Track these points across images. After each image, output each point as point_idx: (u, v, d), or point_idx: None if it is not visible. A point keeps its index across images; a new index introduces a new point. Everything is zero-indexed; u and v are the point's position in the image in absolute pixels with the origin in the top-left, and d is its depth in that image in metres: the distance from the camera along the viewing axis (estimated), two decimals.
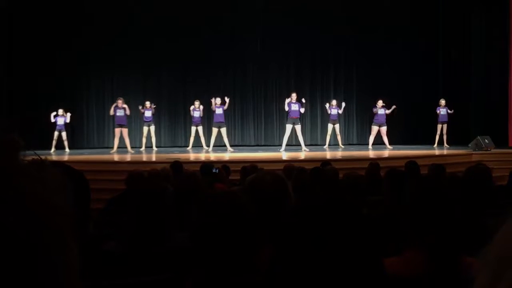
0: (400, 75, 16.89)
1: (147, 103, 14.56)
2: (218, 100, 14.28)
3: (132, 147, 14.35)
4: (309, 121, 17.27)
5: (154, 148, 14.66)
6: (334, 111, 14.98)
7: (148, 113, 14.48)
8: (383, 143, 14.69)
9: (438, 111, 14.70)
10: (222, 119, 14.33)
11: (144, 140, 14.71)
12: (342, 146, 15.19)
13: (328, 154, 13.01)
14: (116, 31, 15.82)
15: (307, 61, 17.20)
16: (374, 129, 14.82)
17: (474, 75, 15.96)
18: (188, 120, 16.37)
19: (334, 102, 15.23)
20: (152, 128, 14.65)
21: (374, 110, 14.75)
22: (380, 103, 14.70)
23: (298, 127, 14.14)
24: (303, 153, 13.37)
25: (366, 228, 1.48)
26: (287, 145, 14.53)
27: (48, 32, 15.31)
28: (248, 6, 16.34)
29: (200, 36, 16.25)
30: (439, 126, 14.77)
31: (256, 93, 17.22)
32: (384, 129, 14.69)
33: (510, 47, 15.02)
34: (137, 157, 12.77)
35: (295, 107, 14.06)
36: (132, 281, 2.05)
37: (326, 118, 16.51)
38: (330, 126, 15.10)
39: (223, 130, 14.39)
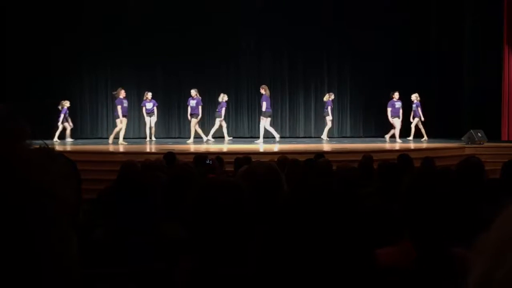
0: (393, 69, 16.87)
1: (149, 94, 14.58)
2: (193, 92, 14.57)
3: (127, 138, 14.36)
4: (303, 113, 17.28)
5: (153, 139, 14.66)
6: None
7: (149, 105, 14.59)
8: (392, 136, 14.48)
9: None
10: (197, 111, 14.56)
11: (148, 131, 14.72)
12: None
13: (322, 147, 13.01)
14: (110, 23, 15.73)
15: (301, 54, 17.17)
16: (396, 121, 14.42)
17: (467, 69, 15.98)
18: (182, 112, 16.39)
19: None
20: (153, 119, 14.66)
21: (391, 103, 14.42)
22: (396, 95, 14.49)
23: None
24: (299, 145, 13.43)
25: (358, 219, 1.48)
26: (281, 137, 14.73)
27: (42, 25, 15.21)
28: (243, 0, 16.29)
29: (194, 28, 16.18)
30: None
31: (250, 85, 17.18)
32: (399, 122, 14.45)
33: (504, 42, 15.05)
34: (131, 147, 12.75)
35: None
36: (122, 270, 2.04)
37: (319, 110, 16.54)
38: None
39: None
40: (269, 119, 14.36)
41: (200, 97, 14.57)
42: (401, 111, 14.42)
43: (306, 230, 1.47)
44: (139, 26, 15.92)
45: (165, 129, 16.68)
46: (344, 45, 17.05)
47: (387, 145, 13.16)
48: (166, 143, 13.76)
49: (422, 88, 14.58)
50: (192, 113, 14.44)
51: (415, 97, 14.71)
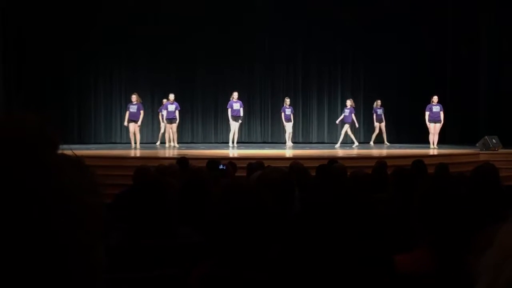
0: (408, 74, 16.85)
1: (171, 96, 14.41)
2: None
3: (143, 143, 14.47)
4: (316, 119, 17.26)
5: (176, 144, 14.41)
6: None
7: (171, 107, 14.35)
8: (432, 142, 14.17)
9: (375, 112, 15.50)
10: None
11: (167, 135, 14.50)
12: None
13: (335, 152, 12.98)
14: (124, 28, 15.83)
15: (314, 59, 17.18)
16: (431, 126, 14.21)
17: (482, 75, 15.87)
18: (195, 117, 16.46)
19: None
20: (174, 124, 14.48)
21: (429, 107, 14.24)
22: (435, 98, 14.27)
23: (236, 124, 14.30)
24: (316, 151, 13.48)
25: (376, 225, 1.47)
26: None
27: (57, 31, 15.35)
28: (256, 4, 16.30)
29: (208, 33, 16.26)
30: (377, 125, 15.48)
31: (263, 90, 17.22)
32: (438, 126, 14.23)
33: None
34: (144, 152, 12.80)
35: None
36: (137, 275, 2.05)
37: (332, 116, 16.54)
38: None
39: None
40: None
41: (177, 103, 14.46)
42: (441, 115, 14.17)
43: (323, 235, 1.47)
44: (154, 33, 16.01)
45: (178, 134, 16.74)
46: (358, 50, 17.03)
47: (401, 151, 13.07)
48: (180, 148, 13.80)
49: (437, 94, 14.46)
50: (172, 117, 14.31)
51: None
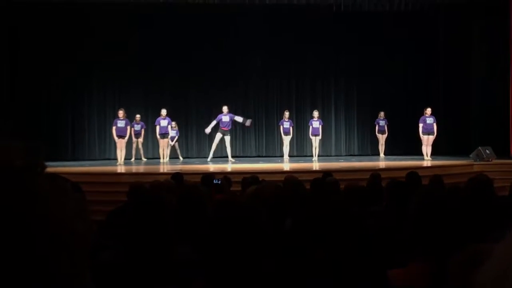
0: (401, 86, 16.96)
1: (163, 111, 14.77)
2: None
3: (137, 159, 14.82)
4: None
5: (166, 159, 14.85)
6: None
7: (164, 123, 14.73)
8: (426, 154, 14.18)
9: (377, 123, 15.67)
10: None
11: (161, 151, 14.85)
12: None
13: (330, 165, 12.99)
14: (118, 44, 15.84)
15: (308, 72, 17.25)
16: (425, 138, 14.27)
17: (475, 85, 15.99)
18: (189, 132, 16.52)
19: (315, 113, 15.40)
20: (140, 140, 14.92)
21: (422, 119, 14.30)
22: (429, 110, 14.31)
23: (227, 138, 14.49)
24: (310, 164, 13.50)
25: (369, 239, 1.47)
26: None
27: (51, 45, 15.37)
28: (249, 20, 16.39)
29: (202, 49, 16.32)
30: (380, 136, 15.69)
31: (257, 104, 17.26)
32: (432, 138, 14.27)
33: (510, 57, 15.05)
34: (138, 168, 12.77)
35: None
36: None
37: (326, 128, 16.60)
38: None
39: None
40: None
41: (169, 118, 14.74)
42: (435, 126, 14.24)
43: (317, 250, 1.47)
44: (148, 48, 16.04)
45: (172, 150, 16.73)
46: (351, 63, 17.12)
47: (395, 163, 13.11)
48: (174, 164, 13.79)
49: (429, 105, 14.54)
50: (165, 132, 14.56)
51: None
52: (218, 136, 14.33)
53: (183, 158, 15.87)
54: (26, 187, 0.55)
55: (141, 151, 15.06)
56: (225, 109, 14.48)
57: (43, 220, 0.54)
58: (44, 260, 0.53)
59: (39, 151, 0.61)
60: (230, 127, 14.55)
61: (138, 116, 14.80)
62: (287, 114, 15.23)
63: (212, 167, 12.78)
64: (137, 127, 14.64)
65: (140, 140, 14.88)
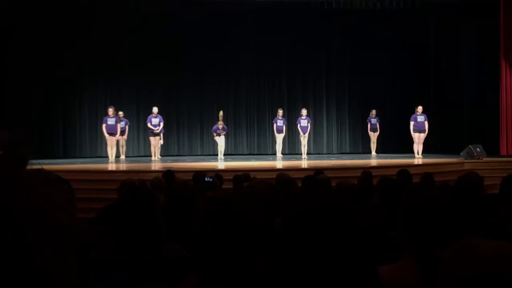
0: (392, 84, 17.01)
1: (155, 109, 14.63)
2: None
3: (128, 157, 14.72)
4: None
5: (158, 157, 14.78)
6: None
7: (155, 121, 14.60)
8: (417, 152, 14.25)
9: (369, 121, 15.72)
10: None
11: (152, 148, 14.71)
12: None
13: (321, 163, 13.01)
14: (109, 42, 15.77)
15: (299, 71, 17.26)
16: (416, 136, 14.30)
17: (465, 84, 16.06)
18: (181, 131, 16.52)
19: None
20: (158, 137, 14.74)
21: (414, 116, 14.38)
22: (420, 109, 14.36)
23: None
24: (301, 162, 13.55)
25: (360, 235, 1.48)
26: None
27: (42, 43, 15.27)
28: (240, 18, 16.36)
29: (193, 48, 16.30)
30: (371, 134, 15.74)
31: (249, 102, 17.26)
32: (423, 136, 14.32)
33: (501, 56, 15.13)
34: (130, 166, 12.74)
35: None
36: None
37: (317, 126, 16.64)
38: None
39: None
40: None
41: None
42: (426, 125, 14.30)
43: (307, 248, 1.47)
44: (139, 47, 15.99)
45: (164, 148, 16.70)
46: (342, 61, 17.15)
47: (386, 161, 13.15)
48: (165, 161, 13.76)
49: (420, 103, 14.60)
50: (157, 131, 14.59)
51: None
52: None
53: (175, 156, 15.85)
54: (9, 177, 0.54)
55: (123, 148, 14.81)
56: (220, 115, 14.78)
57: (26, 210, 0.53)
58: (28, 252, 0.52)
59: (22, 140, 0.60)
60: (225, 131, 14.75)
61: (121, 113, 14.58)
62: (280, 112, 15.24)
63: (204, 164, 12.77)
64: (121, 124, 14.49)
65: (124, 137, 14.71)
